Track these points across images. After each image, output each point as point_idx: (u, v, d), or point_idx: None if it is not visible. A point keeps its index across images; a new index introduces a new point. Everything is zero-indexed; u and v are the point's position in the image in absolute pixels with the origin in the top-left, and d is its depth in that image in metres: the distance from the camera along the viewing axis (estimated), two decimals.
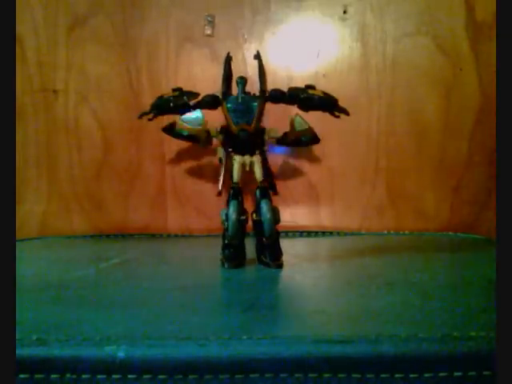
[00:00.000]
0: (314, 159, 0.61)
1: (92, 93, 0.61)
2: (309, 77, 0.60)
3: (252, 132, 0.40)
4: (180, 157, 0.61)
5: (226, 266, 0.41)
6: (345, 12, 0.60)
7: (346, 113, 0.43)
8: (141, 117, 0.44)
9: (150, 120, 0.44)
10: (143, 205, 0.62)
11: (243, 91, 0.42)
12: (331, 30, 0.60)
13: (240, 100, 0.40)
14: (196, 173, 0.61)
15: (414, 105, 0.60)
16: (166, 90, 0.61)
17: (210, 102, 0.42)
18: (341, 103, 0.41)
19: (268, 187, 0.41)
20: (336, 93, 0.61)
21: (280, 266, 0.40)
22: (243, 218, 0.40)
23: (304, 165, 0.61)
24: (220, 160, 0.43)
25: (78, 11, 0.60)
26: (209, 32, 0.60)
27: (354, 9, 0.60)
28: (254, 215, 0.40)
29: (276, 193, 0.42)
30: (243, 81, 0.42)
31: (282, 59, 0.60)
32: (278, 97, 0.42)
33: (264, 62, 0.44)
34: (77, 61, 0.61)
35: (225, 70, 0.43)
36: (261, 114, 0.40)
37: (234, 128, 0.40)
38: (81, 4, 0.60)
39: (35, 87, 0.61)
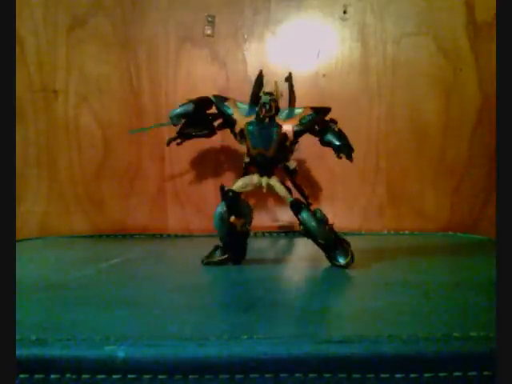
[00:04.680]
0: (314, 159, 0.61)
1: (92, 93, 0.61)
2: (309, 77, 0.60)
3: (270, 157, 0.38)
4: (180, 157, 0.61)
5: (204, 262, 0.41)
6: (345, 12, 0.60)
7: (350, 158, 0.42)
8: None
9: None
10: (143, 205, 0.62)
11: (268, 111, 0.38)
12: (331, 29, 0.60)
13: (260, 124, 0.38)
14: (196, 173, 0.61)
15: (414, 105, 0.60)
16: (166, 90, 0.62)
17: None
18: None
19: (298, 199, 0.39)
20: (336, 93, 0.61)
21: (346, 265, 0.38)
22: (232, 219, 0.39)
23: (304, 165, 0.61)
24: (245, 165, 0.41)
25: (77, 11, 0.60)
26: (209, 32, 0.60)
27: (353, 9, 0.60)
28: (301, 228, 0.39)
29: (310, 204, 0.40)
30: (270, 99, 0.38)
31: (282, 59, 0.60)
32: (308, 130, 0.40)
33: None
34: (77, 61, 0.61)
35: (254, 87, 0.40)
36: (282, 139, 0.39)
37: (252, 151, 0.39)
38: (81, 4, 0.60)
39: (35, 87, 0.61)
